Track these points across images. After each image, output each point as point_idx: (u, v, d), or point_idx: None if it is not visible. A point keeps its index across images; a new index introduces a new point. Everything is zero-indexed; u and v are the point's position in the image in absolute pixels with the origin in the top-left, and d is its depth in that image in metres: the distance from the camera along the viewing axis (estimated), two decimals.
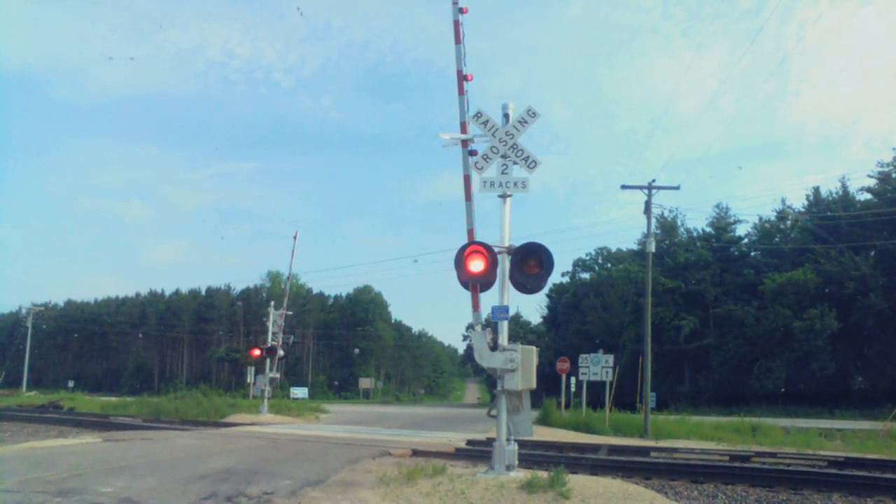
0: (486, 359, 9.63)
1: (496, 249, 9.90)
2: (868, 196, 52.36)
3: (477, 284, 10.01)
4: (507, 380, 9.54)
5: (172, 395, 40.42)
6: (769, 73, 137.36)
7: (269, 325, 29.62)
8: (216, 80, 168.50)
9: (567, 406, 31.69)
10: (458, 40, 10.59)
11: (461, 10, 10.65)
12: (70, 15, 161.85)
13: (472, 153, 10.58)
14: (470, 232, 10.31)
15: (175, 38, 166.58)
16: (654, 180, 27.27)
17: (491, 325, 10.17)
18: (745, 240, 61.36)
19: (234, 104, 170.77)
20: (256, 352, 28.74)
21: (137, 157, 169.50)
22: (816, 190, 56.90)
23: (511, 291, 10.10)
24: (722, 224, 61.05)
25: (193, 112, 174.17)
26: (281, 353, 29.41)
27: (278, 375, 30.85)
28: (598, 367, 26.71)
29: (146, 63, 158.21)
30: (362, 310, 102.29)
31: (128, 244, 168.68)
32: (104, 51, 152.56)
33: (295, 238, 30.81)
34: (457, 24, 10.60)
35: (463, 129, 10.57)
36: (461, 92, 10.52)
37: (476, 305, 10.11)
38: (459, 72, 10.52)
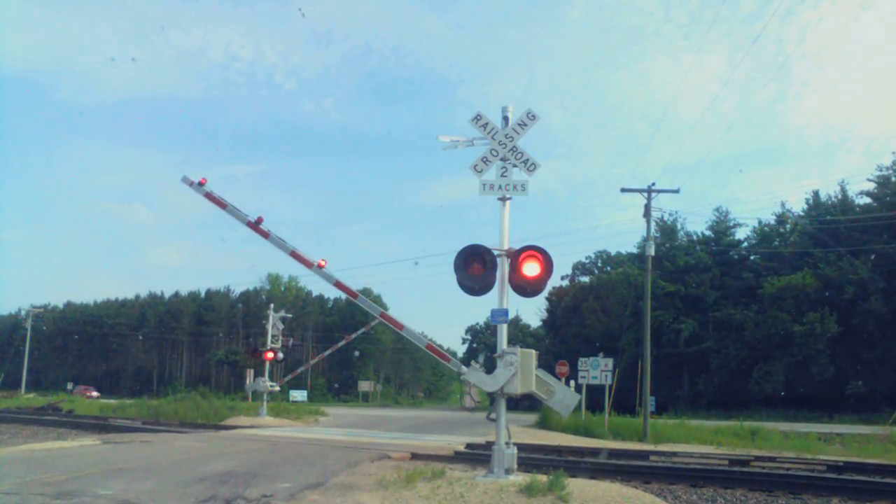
0: (489, 384, 9.66)
1: (495, 252, 9.90)
2: (867, 200, 52.42)
3: (436, 347, 10.86)
4: (507, 383, 9.55)
5: (171, 397, 40.38)
6: (770, 76, 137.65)
7: (269, 327, 29.58)
8: (218, 83, 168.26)
9: None
10: None
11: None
12: (73, 17, 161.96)
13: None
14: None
15: (177, 41, 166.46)
16: (653, 183, 27.31)
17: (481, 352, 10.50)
18: (745, 243, 61.41)
19: (236, 106, 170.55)
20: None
21: (139, 160, 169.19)
22: (816, 194, 56.99)
23: (510, 294, 10.10)
24: (721, 228, 61.10)
25: (195, 114, 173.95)
26: (280, 355, 29.43)
27: (278, 388, 30.97)
28: (597, 370, 26.68)
29: (148, 65, 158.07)
30: (361, 312, 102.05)
31: (128, 246, 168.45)
32: (107, 53, 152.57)
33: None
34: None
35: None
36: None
37: (447, 359, 10.80)
38: None
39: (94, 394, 69.30)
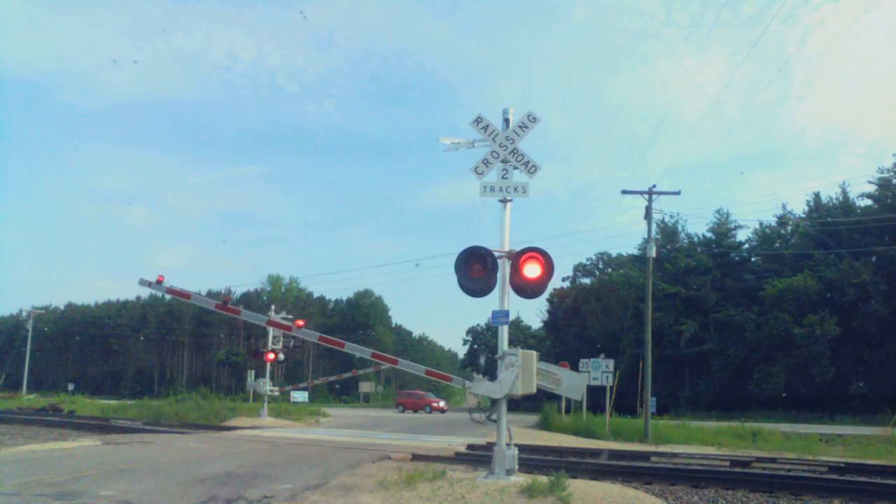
0: (496, 391, 9.66)
1: (496, 254, 9.91)
2: (868, 202, 52.41)
3: (435, 370, 11.24)
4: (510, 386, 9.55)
5: (173, 398, 40.45)
6: (771, 78, 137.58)
7: (270, 329, 29.57)
8: (220, 84, 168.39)
9: (567, 411, 31.64)
10: None
11: None
12: (75, 19, 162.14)
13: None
14: None
15: (179, 42, 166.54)
16: (654, 185, 27.39)
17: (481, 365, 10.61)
18: (746, 245, 61.41)
19: (237, 108, 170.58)
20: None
21: (141, 161, 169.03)
22: (817, 196, 57.01)
23: (511, 296, 10.10)
24: (722, 229, 61.07)
25: (197, 116, 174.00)
26: (281, 356, 29.48)
27: (278, 392, 31.06)
28: (598, 371, 26.69)
29: (150, 67, 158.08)
30: (363, 314, 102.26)
31: (130, 248, 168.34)
32: (109, 55, 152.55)
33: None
34: None
35: None
36: None
37: (448, 378, 11.08)
38: None
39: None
